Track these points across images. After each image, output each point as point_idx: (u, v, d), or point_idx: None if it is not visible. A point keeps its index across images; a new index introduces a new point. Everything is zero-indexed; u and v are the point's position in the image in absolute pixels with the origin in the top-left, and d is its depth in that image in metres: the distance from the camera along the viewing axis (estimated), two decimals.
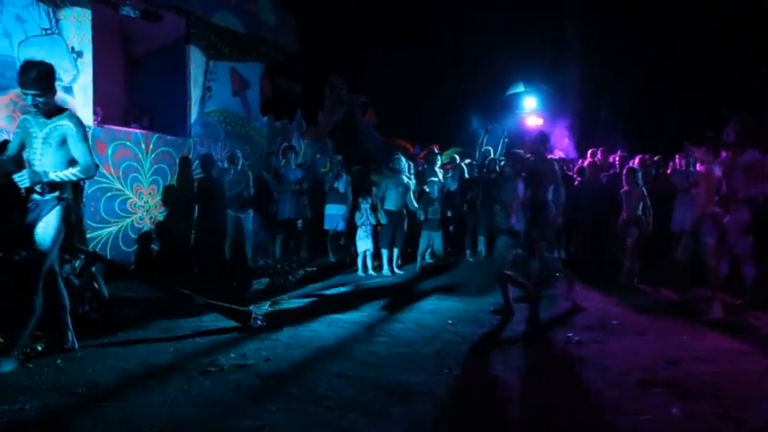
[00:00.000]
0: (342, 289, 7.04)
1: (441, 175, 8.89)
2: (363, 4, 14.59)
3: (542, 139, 6.13)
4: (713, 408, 3.09)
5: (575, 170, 9.32)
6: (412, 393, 3.34)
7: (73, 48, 7.49)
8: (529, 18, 15.07)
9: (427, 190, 8.38)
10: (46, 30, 7.23)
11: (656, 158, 8.95)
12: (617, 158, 9.18)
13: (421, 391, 3.38)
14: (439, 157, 9.29)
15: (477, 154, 10.69)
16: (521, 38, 14.68)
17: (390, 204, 7.97)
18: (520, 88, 13.69)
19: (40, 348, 3.96)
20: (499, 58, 14.24)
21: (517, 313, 5.48)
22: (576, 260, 8.58)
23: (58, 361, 3.79)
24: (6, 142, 5.87)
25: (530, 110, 13.51)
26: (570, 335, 4.72)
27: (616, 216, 7.55)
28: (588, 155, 9.95)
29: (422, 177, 8.75)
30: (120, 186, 7.92)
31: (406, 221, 8.20)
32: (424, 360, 4.04)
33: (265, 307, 5.75)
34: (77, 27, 7.53)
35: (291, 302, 6.13)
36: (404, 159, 8.27)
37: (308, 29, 11.06)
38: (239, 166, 8.22)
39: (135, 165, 8.16)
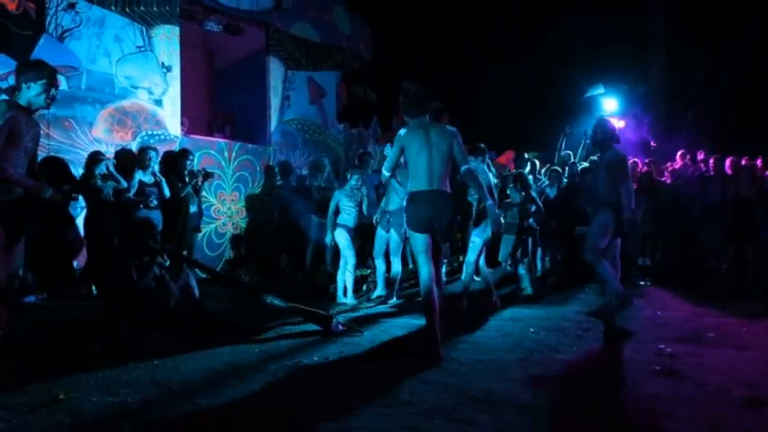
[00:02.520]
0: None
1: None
2: (437, 9, 14.61)
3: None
4: None
5: (665, 172, 8.89)
6: (497, 401, 3.26)
7: (163, 63, 7.92)
8: (611, 19, 14.57)
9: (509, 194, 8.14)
10: (140, 47, 7.69)
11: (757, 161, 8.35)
12: (711, 160, 8.65)
13: (506, 398, 3.30)
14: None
15: (556, 158, 10.39)
16: (602, 39, 14.22)
17: None
18: (599, 90, 13.24)
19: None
20: (580, 59, 13.85)
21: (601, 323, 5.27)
22: (663, 267, 8.17)
23: (154, 360, 3.98)
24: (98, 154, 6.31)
25: (610, 112, 13.02)
26: (662, 347, 4.48)
27: (710, 220, 7.15)
28: (678, 157, 9.46)
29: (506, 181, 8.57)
30: (204, 193, 8.28)
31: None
32: (507, 368, 3.94)
33: (349, 304, 5.82)
34: (167, 43, 7.97)
35: (372, 307, 6.18)
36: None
37: (382, 35, 11.18)
38: (325, 174, 8.39)
39: (218, 172, 8.51)
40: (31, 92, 3.51)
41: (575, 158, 9.79)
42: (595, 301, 6.28)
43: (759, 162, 8.23)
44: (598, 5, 14.73)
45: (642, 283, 7.21)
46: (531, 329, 5.09)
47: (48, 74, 3.56)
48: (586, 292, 7.06)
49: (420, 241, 4.26)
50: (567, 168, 8.95)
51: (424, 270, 4.22)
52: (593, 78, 13.79)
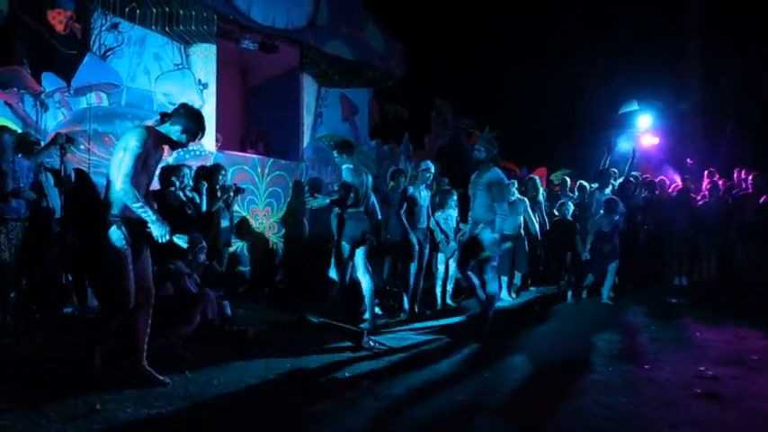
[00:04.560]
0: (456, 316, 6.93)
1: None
2: (470, 25, 14.65)
3: None
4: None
5: (704, 190, 8.68)
6: (536, 426, 3.20)
7: (200, 80, 8.10)
8: (646, 35, 14.40)
9: (556, 214, 8.18)
10: (178, 65, 7.88)
11: None
12: (750, 178, 8.41)
13: (542, 421, 3.24)
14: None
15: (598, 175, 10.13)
16: (637, 53, 14.06)
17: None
18: (633, 106, 13.06)
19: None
20: (614, 74, 13.70)
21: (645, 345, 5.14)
22: (700, 287, 7.95)
23: (187, 372, 4.01)
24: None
25: (645, 128, 12.81)
26: (702, 368, 4.33)
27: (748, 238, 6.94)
28: (706, 174, 9.26)
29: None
30: (237, 208, 8.39)
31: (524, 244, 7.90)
32: (549, 387, 3.87)
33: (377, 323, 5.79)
34: (204, 61, 8.15)
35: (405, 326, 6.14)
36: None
37: (415, 52, 11.24)
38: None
39: (251, 187, 8.62)
40: (174, 129, 3.62)
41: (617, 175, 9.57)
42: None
43: None
44: (633, 19, 14.57)
45: (675, 301, 7.02)
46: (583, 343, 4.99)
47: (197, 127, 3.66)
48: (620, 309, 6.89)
49: None
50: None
51: None
52: (629, 94, 13.63)
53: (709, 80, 14.90)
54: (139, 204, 3.40)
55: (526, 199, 8.06)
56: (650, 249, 8.76)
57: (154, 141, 3.54)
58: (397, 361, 4.49)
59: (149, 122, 3.74)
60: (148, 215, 3.44)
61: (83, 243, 5.47)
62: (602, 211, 7.49)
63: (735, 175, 9.14)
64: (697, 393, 3.79)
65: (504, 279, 7.64)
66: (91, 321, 4.67)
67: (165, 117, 3.64)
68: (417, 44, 11.56)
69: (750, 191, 8.14)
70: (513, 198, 7.56)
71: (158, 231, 3.47)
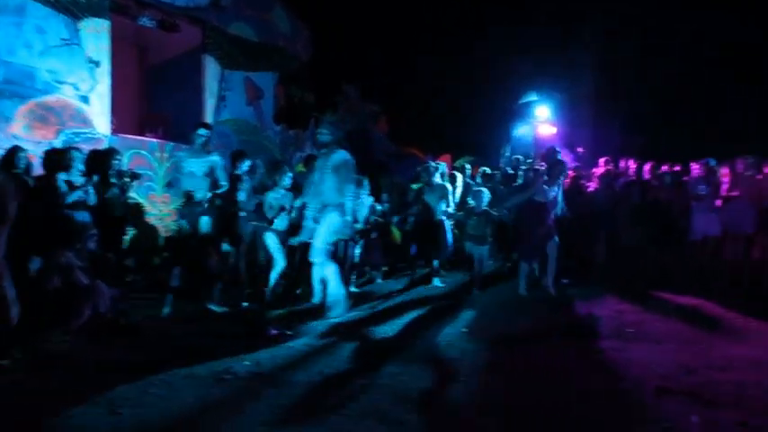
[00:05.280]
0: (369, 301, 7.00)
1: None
2: (377, 14, 14.71)
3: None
4: (734, 416, 3.05)
5: (592, 178, 9.26)
6: (428, 401, 3.33)
7: (91, 58, 7.59)
8: (544, 27, 15.12)
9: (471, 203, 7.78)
10: (65, 40, 7.34)
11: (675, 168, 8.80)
12: (633, 166, 9.10)
13: (436, 398, 3.38)
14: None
15: (502, 162, 10.59)
16: (536, 46, 14.73)
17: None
18: (533, 97, 13.71)
19: None
20: (514, 67, 14.28)
21: (535, 317, 5.47)
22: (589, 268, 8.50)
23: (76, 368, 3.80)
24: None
25: (543, 119, 13.50)
26: (586, 343, 4.69)
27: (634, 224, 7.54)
28: (602, 163, 9.90)
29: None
30: (134, 194, 7.98)
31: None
32: (439, 368, 4.03)
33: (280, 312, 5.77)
34: (96, 37, 7.64)
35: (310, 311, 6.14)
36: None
37: (321, 37, 11.15)
38: (257, 177, 8.22)
39: (150, 173, 8.23)
40: None
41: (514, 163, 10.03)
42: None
43: (678, 168, 8.72)
44: (534, 10, 15.23)
45: (565, 282, 7.46)
46: (464, 329, 5.20)
47: None
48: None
49: None
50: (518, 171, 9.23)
51: None
52: (529, 85, 14.28)
53: (602, 71, 15.87)
54: None
55: (448, 185, 7.85)
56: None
57: None
58: (299, 348, 4.49)
59: None
60: None
61: None
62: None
63: (621, 164, 9.81)
64: (578, 363, 4.11)
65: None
66: None
67: None
68: (325, 28, 11.47)
69: (635, 178, 8.79)
70: (436, 183, 7.58)
71: None
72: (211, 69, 9.27)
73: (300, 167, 8.65)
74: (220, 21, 9.27)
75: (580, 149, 11.79)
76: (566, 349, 4.56)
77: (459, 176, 8.90)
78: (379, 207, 8.34)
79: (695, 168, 7.98)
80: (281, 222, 6.32)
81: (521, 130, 12.60)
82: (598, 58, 15.72)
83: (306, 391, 3.47)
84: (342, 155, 5.54)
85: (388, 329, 5.19)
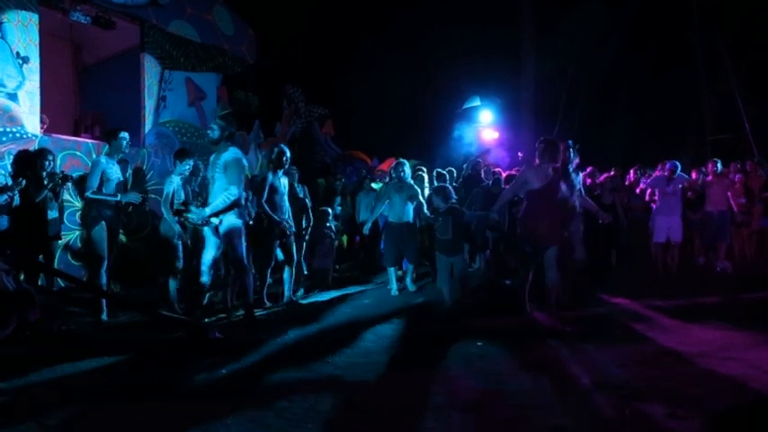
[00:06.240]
0: (309, 300, 6.96)
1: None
2: (323, 18, 14.68)
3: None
4: (662, 408, 3.19)
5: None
6: (369, 400, 3.34)
7: (18, 53, 7.23)
8: (487, 34, 15.46)
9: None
10: None
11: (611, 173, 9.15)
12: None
13: (372, 397, 3.40)
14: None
15: (466, 165, 10.62)
16: (480, 53, 15.05)
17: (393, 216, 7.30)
18: (476, 102, 14.00)
19: None
20: (459, 72, 14.53)
21: (480, 317, 5.56)
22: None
23: None
24: None
25: (486, 123, 13.80)
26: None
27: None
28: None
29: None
30: (68, 197, 7.66)
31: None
32: (379, 368, 4.05)
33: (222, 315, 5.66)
34: (23, 31, 7.29)
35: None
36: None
37: (266, 40, 11.03)
38: (199, 178, 8.04)
39: (86, 175, 7.89)
40: None
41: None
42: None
43: (613, 173, 9.09)
44: (477, 19, 15.54)
45: (507, 283, 7.60)
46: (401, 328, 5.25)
47: None
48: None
49: None
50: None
51: None
52: (473, 90, 14.56)
53: (541, 81, 16.38)
54: None
55: (416, 186, 7.47)
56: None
57: None
58: (241, 355, 4.42)
59: None
60: None
61: None
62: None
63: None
64: (514, 363, 4.20)
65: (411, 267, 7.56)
66: None
67: None
68: (270, 31, 11.36)
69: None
70: (406, 183, 7.26)
71: None
72: (150, 69, 8.99)
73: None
74: (159, 19, 9.03)
75: (520, 154, 12.11)
76: (500, 349, 4.61)
77: (426, 176, 8.62)
78: (330, 212, 8.28)
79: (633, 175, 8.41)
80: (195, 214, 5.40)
81: (464, 134, 12.83)
82: (538, 66, 16.22)
83: (246, 394, 3.42)
84: (233, 152, 5.16)
85: (328, 334, 5.18)
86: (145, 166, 8.66)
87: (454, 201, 6.33)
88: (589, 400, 3.36)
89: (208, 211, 5.05)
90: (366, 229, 7.53)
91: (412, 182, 7.47)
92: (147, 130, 8.91)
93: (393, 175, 7.46)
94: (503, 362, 4.26)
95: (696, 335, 4.98)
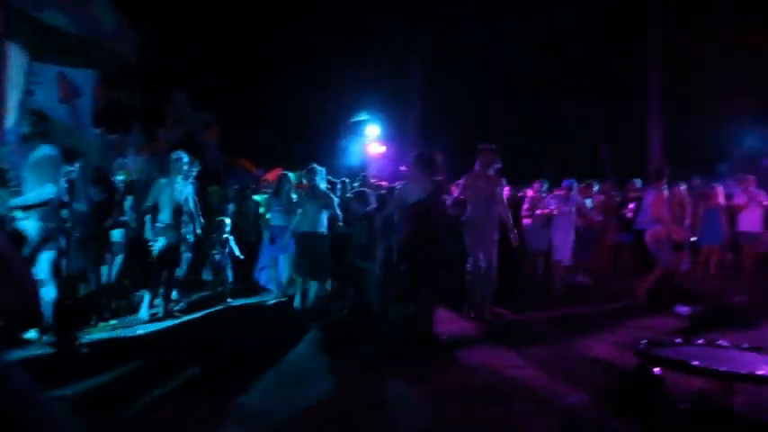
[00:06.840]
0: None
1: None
2: (211, 24, 14.31)
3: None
4: (528, 407, 3.51)
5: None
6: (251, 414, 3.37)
7: None
8: (376, 50, 15.87)
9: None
10: None
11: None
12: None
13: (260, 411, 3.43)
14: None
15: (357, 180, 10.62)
16: (368, 68, 15.40)
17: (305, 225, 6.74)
18: (364, 116, 14.33)
19: None
20: (347, 86, 14.76)
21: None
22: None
23: None
24: None
25: (373, 137, 14.16)
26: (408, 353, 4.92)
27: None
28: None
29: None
30: None
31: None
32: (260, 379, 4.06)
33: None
34: None
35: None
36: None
37: (151, 41, 10.53)
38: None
39: None
40: None
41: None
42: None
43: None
44: (371, 34, 15.85)
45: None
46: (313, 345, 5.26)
47: None
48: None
49: None
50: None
51: None
52: (360, 104, 14.88)
53: (426, 96, 17.06)
54: None
55: (333, 195, 7.05)
56: None
57: None
58: (111, 365, 4.22)
59: None
60: None
61: None
62: None
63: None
64: (391, 375, 4.31)
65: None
66: None
67: None
68: (155, 31, 10.87)
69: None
70: (319, 191, 6.79)
71: None
72: (15, 60, 8.24)
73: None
74: (27, 5, 8.31)
75: (402, 168, 12.51)
76: (375, 361, 4.66)
77: (339, 185, 8.27)
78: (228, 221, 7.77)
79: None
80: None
81: (352, 147, 13.08)
82: (423, 85, 16.92)
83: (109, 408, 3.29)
84: (44, 150, 4.70)
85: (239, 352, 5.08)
86: (6, 166, 7.90)
87: (372, 206, 6.24)
88: (460, 404, 3.60)
89: (17, 200, 4.51)
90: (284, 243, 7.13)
91: (325, 190, 6.98)
92: (9, 126, 8.14)
93: (304, 182, 7.05)
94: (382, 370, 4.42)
95: (559, 343, 5.46)
